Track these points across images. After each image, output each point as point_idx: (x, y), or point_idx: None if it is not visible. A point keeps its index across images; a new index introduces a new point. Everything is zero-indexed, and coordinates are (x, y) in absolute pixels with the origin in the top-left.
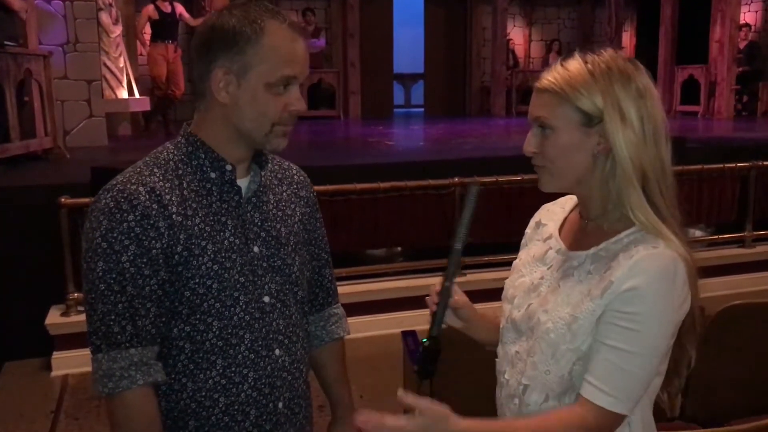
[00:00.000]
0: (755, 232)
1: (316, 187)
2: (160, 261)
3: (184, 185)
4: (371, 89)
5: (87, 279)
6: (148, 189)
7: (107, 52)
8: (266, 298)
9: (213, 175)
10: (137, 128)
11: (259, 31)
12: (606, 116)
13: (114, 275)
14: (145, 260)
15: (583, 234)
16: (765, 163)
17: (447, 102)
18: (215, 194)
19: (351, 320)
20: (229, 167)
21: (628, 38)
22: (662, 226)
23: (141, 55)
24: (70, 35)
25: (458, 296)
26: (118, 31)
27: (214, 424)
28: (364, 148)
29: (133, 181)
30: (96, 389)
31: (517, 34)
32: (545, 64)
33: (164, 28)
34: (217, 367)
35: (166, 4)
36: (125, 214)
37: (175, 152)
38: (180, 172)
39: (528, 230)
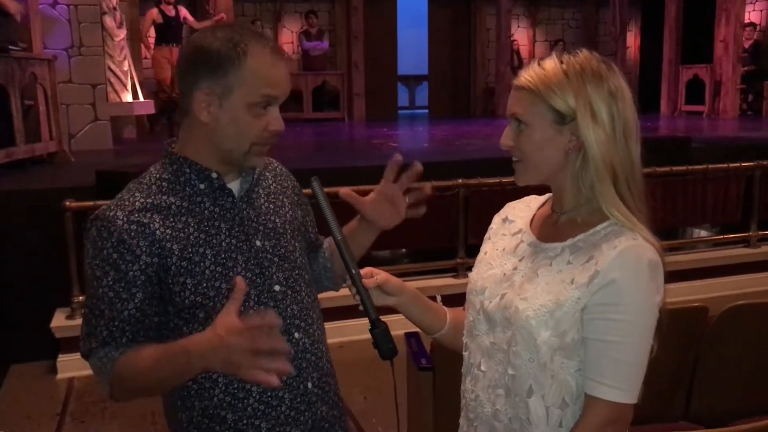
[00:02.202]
0: (760, 232)
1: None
2: (139, 282)
3: (172, 200)
4: (375, 91)
5: (87, 296)
6: (126, 213)
7: (112, 56)
8: (277, 287)
9: (202, 186)
10: (142, 131)
11: (242, 54)
12: (578, 115)
13: (94, 300)
14: (122, 284)
15: (555, 227)
16: None
17: (451, 103)
18: (207, 202)
19: (355, 322)
20: (214, 174)
21: (632, 38)
22: (635, 219)
23: (145, 58)
24: (74, 39)
25: (377, 275)
26: (122, 34)
27: (252, 414)
28: (369, 149)
29: (112, 208)
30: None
31: (521, 34)
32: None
33: (168, 31)
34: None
35: (170, 7)
36: (104, 242)
37: (160, 173)
38: (165, 189)
39: (493, 225)
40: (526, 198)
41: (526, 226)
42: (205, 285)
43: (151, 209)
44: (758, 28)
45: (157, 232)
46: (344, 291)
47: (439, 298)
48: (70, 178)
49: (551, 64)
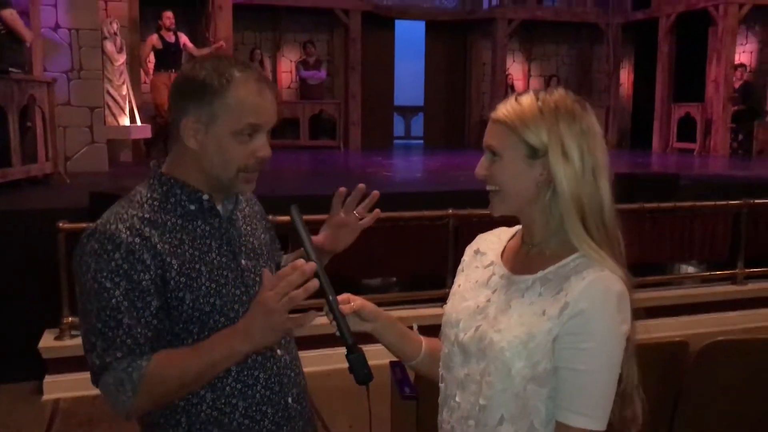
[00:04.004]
0: (747, 270)
1: (314, 216)
2: (152, 290)
3: (166, 218)
4: (372, 121)
5: (85, 320)
6: (127, 226)
7: (111, 80)
8: None
9: (192, 207)
10: (138, 155)
11: (226, 84)
12: (550, 150)
13: (109, 311)
14: (137, 293)
15: (526, 259)
16: (756, 201)
17: (446, 134)
18: (198, 221)
19: (343, 351)
20: (206, 197)
21: (626, 75)
22: (602, 252)
23: (144, 83)
24: (74, 63)
25: (354, 302)
26: (122, 59)
27: (236, 429)
28: (363, 178)
29: (111, 221)
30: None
31: (516, 69)
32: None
33: (168, 57)
34: (232, 374)
35: (170, 34)
36: (111, 254)
37: (150, 193)
38: (157, 208)
39: (465, 258)
40: (496, 230)
41: (498, 258)
42: (201, 301)
43: (148, 224)
44: (748, 69)
45: (158, 246)
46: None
47: (415, 326)
48: (64, 200)
49: (528, 100)
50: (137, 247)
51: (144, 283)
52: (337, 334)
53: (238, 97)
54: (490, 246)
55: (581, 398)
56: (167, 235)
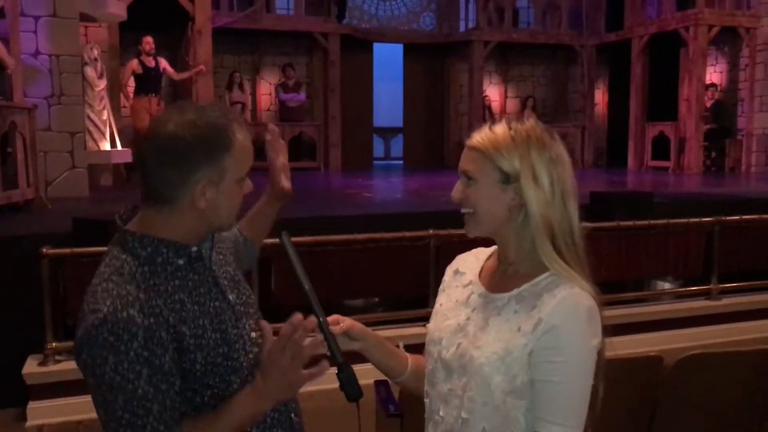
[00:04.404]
0: (720, 285)
1: (295, 239)
2: (173, 370)
3: (163, 283)
4: (352, 142)
5: (107, 411)
6: (137, 308)
7: (91, 105)
8: (253, 334)
9: (181, 261)
10: (119, 179)
11: (231, 139)
12: (521, 176)
13: (136, 402)
14: (159, 377)
15: (502, 278)
16: (728, 218)
17: (425, 155)
18: (190, 273)
19: (327, 372)
20: (194, 249)
21: (600, 95)
22: (572, 271)
23: (124, 107)
24: (55, 88)
25: (343, 322)
26: (102, 84)
27: None
28: (343, 199)
29: (120, 308)
30: None
31: (493, 90)
32: (521, 119)
33: (148, 82)
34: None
35: (150, 58)
36: (129, 344)
37: (136, 261)
38: (149, 275)
39: (446, 278)
40: (474, 250)
41: (476, 277)
42: (212, 354)
43: (152, 298)
44: (719, 88)
45: (170, 318)
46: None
47: (401, 344)
48: (47, 225)
49: (501, 129)
50: (154, 328)
51: (166, 365)
52: (328, 353)
53: (240, 149)
54: (468, 266)
55: (557, 408)
56: (170, 302)
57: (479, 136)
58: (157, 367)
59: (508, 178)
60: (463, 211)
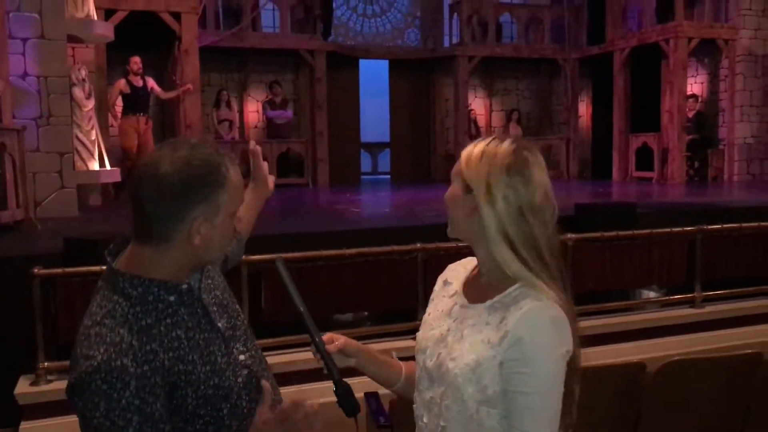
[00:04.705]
0: (704, 293)
1: (284, 255)
2: (164, 416)
3: (153, 323)
4: (339, 157)
5: None
6: (131, 357)
7: (80, 126)
8: (242, 357)
9: (172, 298)
10: (108, 198)
11: (225, 176)
12: (475, 188)
13: None
14: (150, 424)
15: (480, 289)
16: (710, 227)
17: (413, 169)
18: (180, 308)
19: (318, 385)
20: (185, 286)
21: (584, 107)
22: (537, 280)
23: (112, 126)
24: (43, 110)
25: (337, 341)
26: (90, 105)
27: None
28: (332, 215)
29: (113, 356)
30: None
31: (478, 104)
32: (506, 132)
33: (136, 101)
34: (233, 428)
35: (138, 78)
36: (121, 392)
37: (127, 302)
38: (141, 316)
39: (436, 287)
40: (464, 260)
41: (460, 288)
42: (203, 387)
43: (147, 342)
44: (700, 99)
45: (165, 362)
46: (305, 356)
47: (394, 354)
48: (38, 246)
49: (480, 145)
50: (148, 375)
51: (156, 413)
52: (325, 371)
53: (233, 183)
54: (456, 276)
55: (528, 417)
56: (166, 342)
57: (466, 148)
58: (147, 415)
59: (468, 188)
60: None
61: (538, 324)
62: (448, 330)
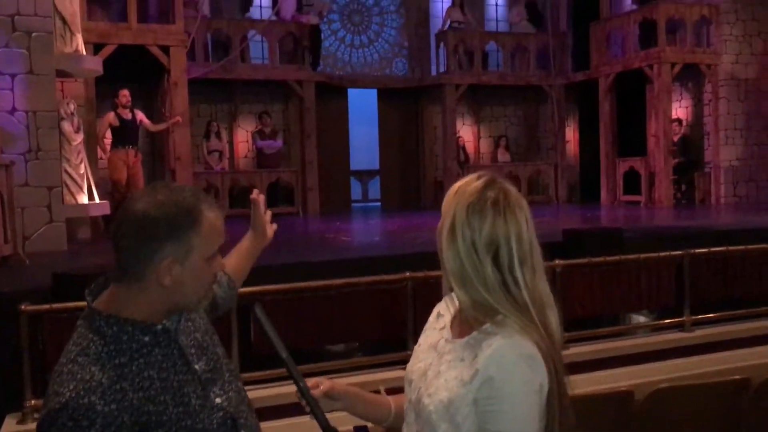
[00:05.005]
0: (693, 317)
1: (273, 286)
2: None
3: (125, 362)
4: (329, 186)
5: None
6: (99, 395)
7: (68, 159)
8: (218, 400)
9: (146, 338)
10: (97, 231)
11: (198, 218)
12: (444, 223)
13: None
14: None
15: (463, 324)
16: (697, 251)
17: (402, 196)
18: (155, 349)
19: (307, 419)
20: (159, 327)
21: (571, 132)
22: (506, 317)
23: (101, 159)
24: (32, 144)
25: (322, 385)
26: (79, 138)
27: None
28: (322, 244)
29: (82, 394)
30: None
31: (466, 131)
32: (494, 158)
33: (125, 134)
34: None
35: (127, 111)
36: (87, 430)
37: (102, 340)
38: (114, 354)
39: (430, 318)
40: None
41: (449, 322)
42: (174, 429)
43: (118, 381)
44: (685, 123)
45: (134, 400)
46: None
47: (382, 389)
48: (25, 281)
49: (458, 183)
50: (116, 414)
51: None
52: (312, 418)
53: (208, 227)
54: (448, 308)
55: None
56: (137, 381)
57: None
58: None
59: (443, 221)
60: None
61: (507, 362)
62: (430, 364)
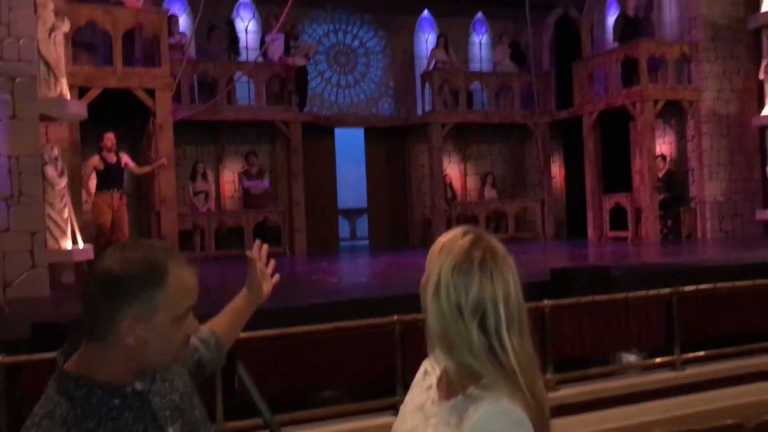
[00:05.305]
0: (683, 355)
1: (259, 333)
2: None
3: (92, 427)
4: (316, 225)
5: None
6: None
7: (52, 204)
8: None
9: (116, 401)
10: (81, 276)
11: (164, 275)
12: (429, 282)
13: None
14: None
15: (449, 385)
16: (685, 288)
17: (390, 234)
18: (125, 413)
19: None
20: (129, 389)
21: (557, 168)
22: (494, 383)
23: (85, 202)
24: (14, 189)
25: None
26: (63, 183)
27: None
28: (309, 286)
29: None
30: None
31: (453, 169)
32: (481, 195)
33: (110, 177)
34: None
35: (112, 154)
36: None
37: (69, 403)
38: (81, 418)
39: (417, 375)
40: None
41: (436, 381)
42: None
43: None
44: (669, 158)
45: None
46: None
47: None
48: (4, 331)
49: (444, 238)
50: None
51: None
52: None
53: (177, 285)
54: (434, 368)
55: None
56: None
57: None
58: None
59: (427, 277)
60: None
61: (494, 428)
62: (417, 426)
